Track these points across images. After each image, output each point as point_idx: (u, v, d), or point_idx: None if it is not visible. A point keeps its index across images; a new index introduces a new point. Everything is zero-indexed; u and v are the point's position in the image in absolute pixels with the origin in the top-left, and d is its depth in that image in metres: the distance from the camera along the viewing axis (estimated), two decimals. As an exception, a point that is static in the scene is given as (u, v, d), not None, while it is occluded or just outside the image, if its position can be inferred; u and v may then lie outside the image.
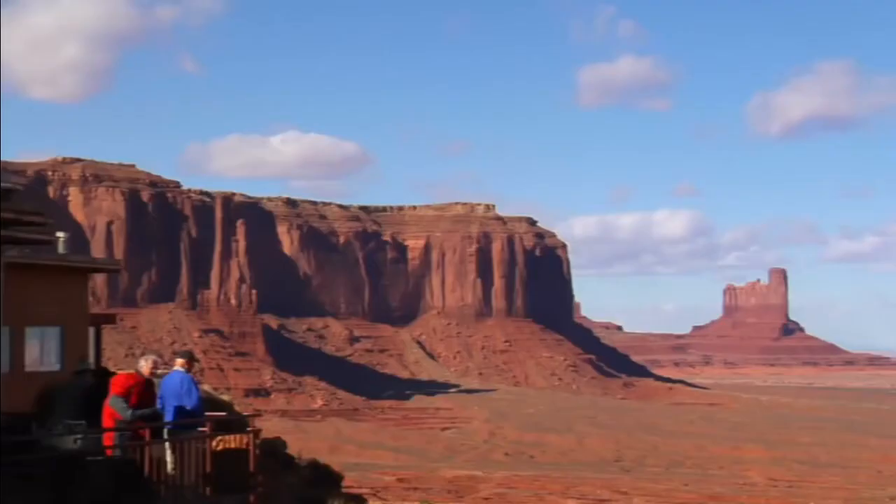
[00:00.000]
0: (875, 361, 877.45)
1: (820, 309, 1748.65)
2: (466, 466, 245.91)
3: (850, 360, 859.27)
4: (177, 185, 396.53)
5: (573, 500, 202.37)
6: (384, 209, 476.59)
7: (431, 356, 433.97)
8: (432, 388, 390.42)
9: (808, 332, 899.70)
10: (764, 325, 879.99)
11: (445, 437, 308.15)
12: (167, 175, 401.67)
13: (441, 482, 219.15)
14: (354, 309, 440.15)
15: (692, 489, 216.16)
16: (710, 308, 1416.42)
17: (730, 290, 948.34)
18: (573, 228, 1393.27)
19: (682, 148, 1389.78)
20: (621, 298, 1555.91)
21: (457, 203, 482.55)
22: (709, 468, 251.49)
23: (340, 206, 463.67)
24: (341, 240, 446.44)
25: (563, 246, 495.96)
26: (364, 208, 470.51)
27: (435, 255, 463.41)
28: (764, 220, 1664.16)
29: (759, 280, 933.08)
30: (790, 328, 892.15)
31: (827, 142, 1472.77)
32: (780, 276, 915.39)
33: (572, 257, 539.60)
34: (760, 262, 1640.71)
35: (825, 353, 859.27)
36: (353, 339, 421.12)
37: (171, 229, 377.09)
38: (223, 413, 27.53)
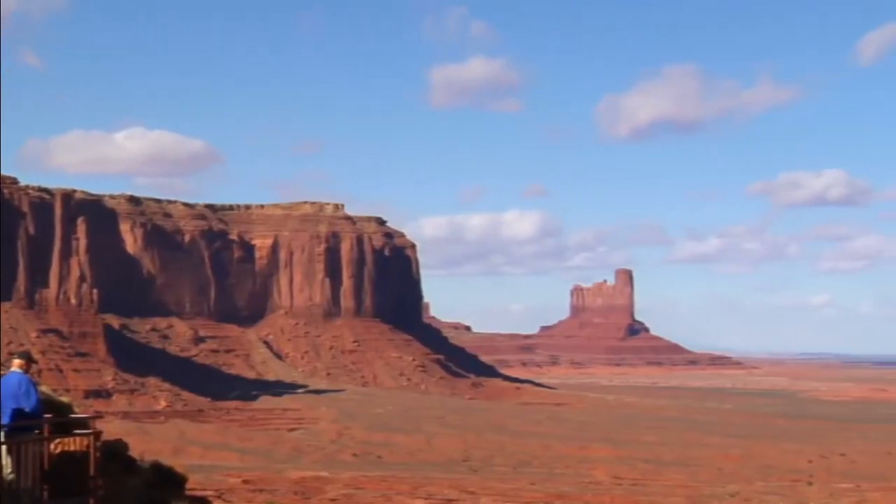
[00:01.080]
0: (717, 361, 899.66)
1: (665, 309, 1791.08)
2: (313, 467, 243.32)
3: (694, 360, 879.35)
4: (13, 181, 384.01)
5: (421, 500, 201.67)
6: (231, 208, 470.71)
7: (279, 356, 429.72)
8: (279, 388, 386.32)
9: (653, 332, 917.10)
10: (610, 326, 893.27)
11: (292, 438, 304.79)
12: (4, 171, 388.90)
13: (287, 483, 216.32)
14: (200, 308, 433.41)
15: (539, 488, 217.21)
16: (558, 308, 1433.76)
17: (577, 291, 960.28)
18: (423, 229, 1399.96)
19: (533, 149, 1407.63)
20: (470, 299, 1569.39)
21: (305, 202, 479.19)
22: (555, 467, 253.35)
23: (186, 205, 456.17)
24: (186, 238, 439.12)
25: (413, 246, 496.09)
26: (210, 206, 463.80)
27: (283, 255, 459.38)
28: (612, 222, 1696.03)
29: (605, 281, 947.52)
30: (636, 328, 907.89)
31: (673, 144, 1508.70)
32: (626, 276, 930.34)
33: (421, 257, 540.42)
34: (608, 263, 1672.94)
35: (669, 353, 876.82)
36: (199, 340, 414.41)
37: (7, 226, 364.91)
38: (62, 415, 25.74)
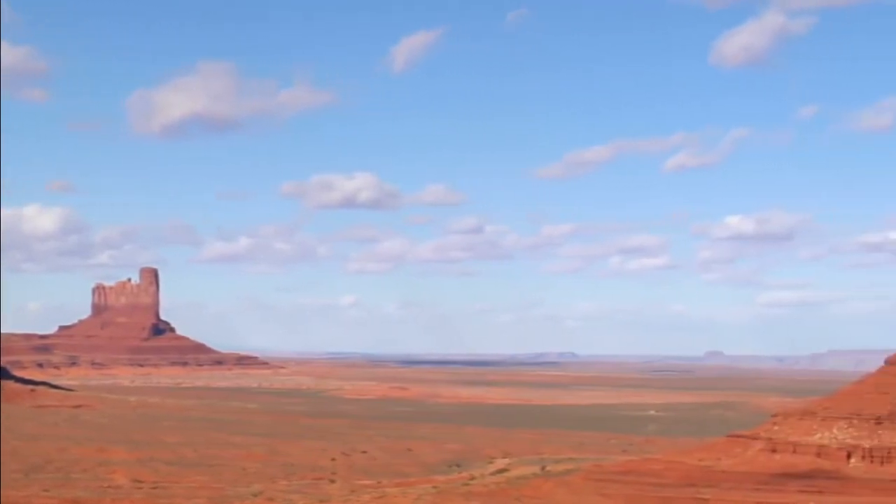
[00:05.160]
0: (244, 361, 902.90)
1: (192, 309, 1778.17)
2: None
3: (220, 360, 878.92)
4: None
5: None
6: None
7: None
8: None
9: (180, 332, 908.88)
10: (134, 325, 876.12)
11: None
12: None
13: None
14: None
15: (53, 493, 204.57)
16: (80, 307, 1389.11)
17: (99, 290, 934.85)
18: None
19: (58, 142, 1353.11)
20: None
21: None
22: (72, 471, 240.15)
23: None
24: None
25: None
26: None
27: None
28: (140, 220, 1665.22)
29: (129, 279, 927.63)
30: (161, 328, 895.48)
31: (206, 142, 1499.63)
32: (152, 275, 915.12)
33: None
34: (135, 262, 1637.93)
35: (195, 353, 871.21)
36: None
37: None
38: None
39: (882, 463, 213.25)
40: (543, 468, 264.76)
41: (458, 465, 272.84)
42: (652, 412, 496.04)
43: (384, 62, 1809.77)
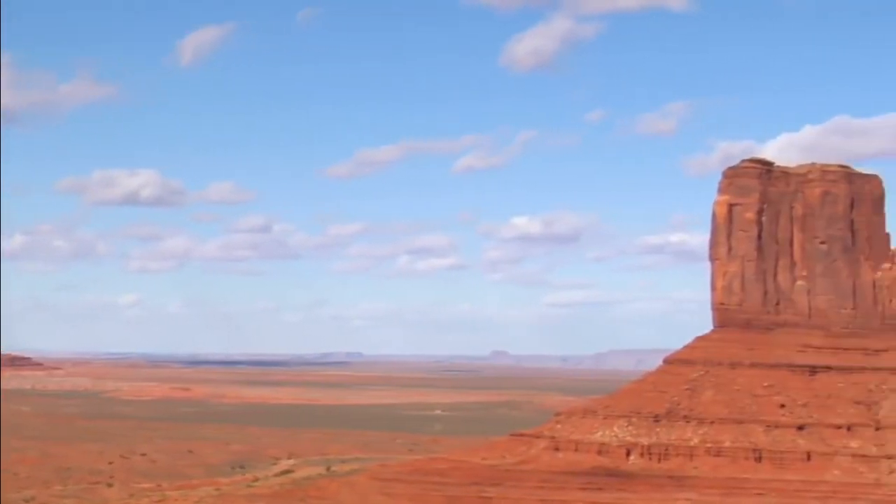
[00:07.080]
0: (15, 362, 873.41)
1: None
2: None
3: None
4: None
5: None
6: None
7: None
8: None
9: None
10: None
11: None
12: None
13: None
14: None
15: None
16: None
17: None
18: None
19: None
20: None
21: None
22: None
23: None
24: None
25: None
26: None
27: None
28: None
29: None
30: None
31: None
32: None
33: None
34: None
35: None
36: None
37: None
38: None
39: (660, 460, 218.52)
40: (329, 468, 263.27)
41: (241, 467, 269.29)
42: (438, 411, 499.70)
43: (170, 57, 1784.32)
